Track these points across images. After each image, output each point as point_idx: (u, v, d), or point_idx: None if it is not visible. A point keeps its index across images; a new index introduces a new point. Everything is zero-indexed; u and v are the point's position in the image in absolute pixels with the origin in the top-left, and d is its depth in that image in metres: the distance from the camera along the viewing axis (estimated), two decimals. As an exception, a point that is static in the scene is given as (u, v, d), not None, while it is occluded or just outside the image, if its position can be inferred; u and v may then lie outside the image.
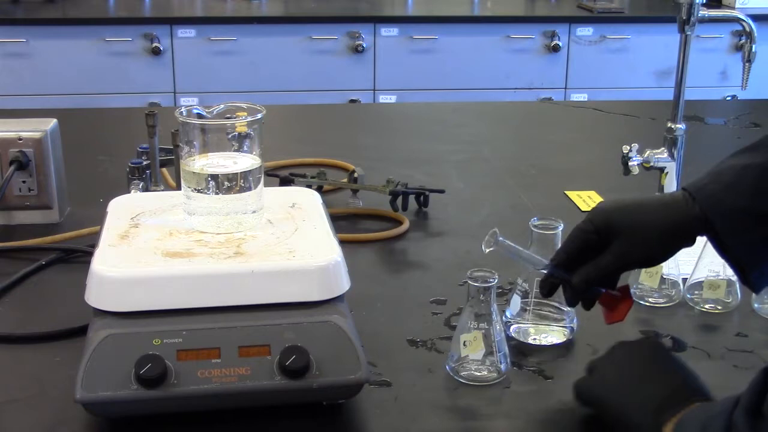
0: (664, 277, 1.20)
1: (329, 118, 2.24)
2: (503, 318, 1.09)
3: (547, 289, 1.00)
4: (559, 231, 1.07)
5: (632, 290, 1.14)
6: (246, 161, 1.02)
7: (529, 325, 1.10)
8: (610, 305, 0.99)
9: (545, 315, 1.10)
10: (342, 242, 1.00)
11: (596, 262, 0.95)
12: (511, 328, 1.11)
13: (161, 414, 0.91)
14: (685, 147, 1.46)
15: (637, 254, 0.94)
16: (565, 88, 3.43)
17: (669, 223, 0.93)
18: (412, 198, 1.48)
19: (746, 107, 2.30)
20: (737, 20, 1.44)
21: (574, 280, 0.96)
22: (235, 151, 1.02)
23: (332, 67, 3.30)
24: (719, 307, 1.19)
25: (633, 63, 3.41)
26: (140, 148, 1.45)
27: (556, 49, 3.35)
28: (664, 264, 1.18)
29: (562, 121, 2.19)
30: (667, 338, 1.12)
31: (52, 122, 1.43)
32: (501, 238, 0.99)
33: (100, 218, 1.06)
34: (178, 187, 1.15)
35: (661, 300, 1.20)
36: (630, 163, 1.44)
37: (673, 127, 1.45)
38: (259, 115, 1.01)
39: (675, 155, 1.45)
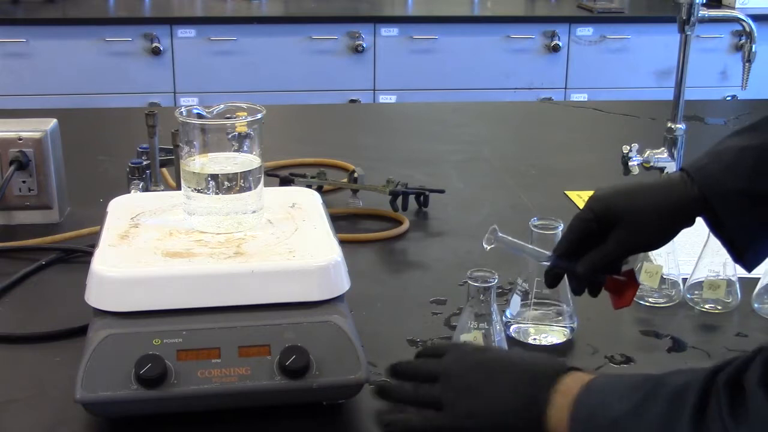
0: (664, 277, 1.19)
1: (329, 118, 2.24)
2: (503, 318, 1.09)
3: (552, 280, 1.00)
4: (559, 231, 1.07)
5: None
6: (246, 161, 1.02)
7: (529, 325, 1.10)
8: (617, 290, 0.99)
9: (545, 315, 1.10)
10: (342, 242, 1.00)
11: (600, 249, 0.95)
12: (511, 328, 1.11)
13: (161, 414, 0.91)
14: (685, 147, 1.46)
15: (639, 238, 0.95)
16: (565, 88, 3.42)
17: (668, 205, 0.93)
18: (412, 198, 1.48)
19: (746, 107, 2.30)
20: (737, 20, 1.44)
21: (578, 269, 0.96)
22: (235, 151, 1.02)
23: (332, 67, 3.30)
24: (719, 307, 1.19)
25: (633, 63, 3.41)
26: (140, 148, 1.45)
27: (556, 49, 3.35)
28: (664, 264, 1.18)
29: (562, 121, 2.19)
30: (667, 338, 1.12)
31: (52, 122, 1.43)
32: (501, 234, 0.99)
33: (100, 218, 1.06)
34: (178, 187, 1.15)
35: (661, 300, 1.20)
36: (630, 163, 1.44)
37: (673, 127, 1.46)
38: (259, 115, 1.01)
39: (675, 155, 1.45)
